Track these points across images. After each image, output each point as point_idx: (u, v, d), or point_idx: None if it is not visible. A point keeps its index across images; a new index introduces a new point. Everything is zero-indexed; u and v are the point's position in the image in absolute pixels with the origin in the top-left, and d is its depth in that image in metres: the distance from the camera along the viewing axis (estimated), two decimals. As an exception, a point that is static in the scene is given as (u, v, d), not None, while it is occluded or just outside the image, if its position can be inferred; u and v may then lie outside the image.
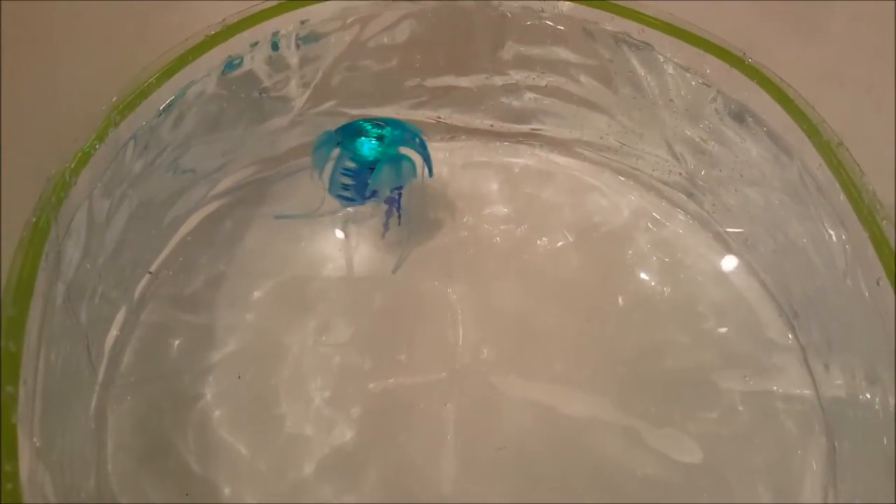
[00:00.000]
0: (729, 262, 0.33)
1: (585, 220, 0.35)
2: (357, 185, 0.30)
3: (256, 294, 0.32)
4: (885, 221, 0.24)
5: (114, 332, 0.30)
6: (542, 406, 0.30)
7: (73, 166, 0.25)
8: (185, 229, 0.33)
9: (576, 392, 0.30)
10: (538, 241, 0.34)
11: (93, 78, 0.27)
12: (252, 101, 0.32)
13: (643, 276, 0.33)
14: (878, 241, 0.24)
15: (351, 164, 0.30)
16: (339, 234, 0.34)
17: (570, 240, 0.34)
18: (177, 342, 0.30)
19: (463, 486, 0.28)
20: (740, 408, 0.29)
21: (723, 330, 0.31)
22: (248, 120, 0.33)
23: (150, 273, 0.31)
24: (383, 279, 0.33)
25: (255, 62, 0.31)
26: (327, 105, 0.34)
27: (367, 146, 0.30)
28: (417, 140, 0.31)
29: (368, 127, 0.30)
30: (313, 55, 0.32)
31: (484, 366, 0.30)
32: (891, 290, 0.24)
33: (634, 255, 0.34)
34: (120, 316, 0.30)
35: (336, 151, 0.30)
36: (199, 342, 0.30)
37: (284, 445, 0.28)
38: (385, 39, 0.33)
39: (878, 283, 0.24)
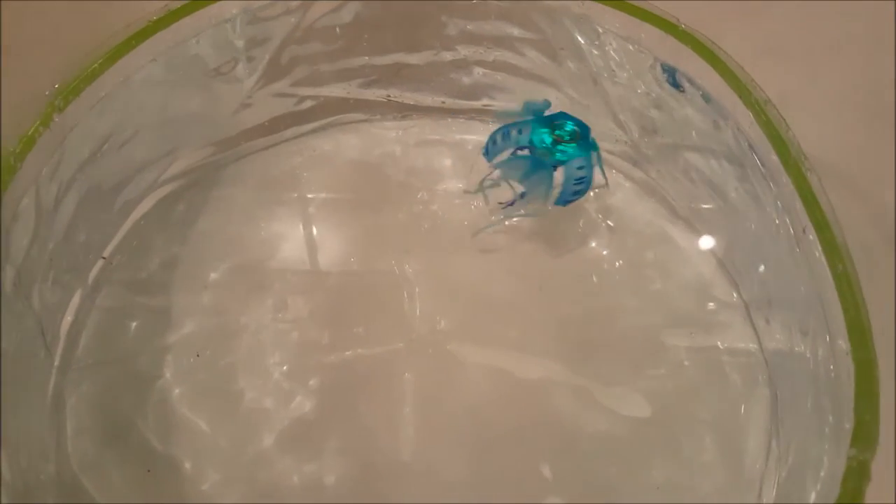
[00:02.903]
0: (674, 227, 0.34)
1: (536, 192, 0.35)
2: (587, 182, 0.32)
3: (213, 275, 0.32)
4: (809, 172, 0.25)
5: (69, 317, 0.30)
6: (497, 371, 0.31)
7: (17, 150, 0.25)
8: (137, 213, 0.33)
9: (530, 357, 0.31)
10: (492, 215, 0.35)
11: (36, 63, 0.27)
12: (200, 84, 0.32)
13: (593, 243, 0.34)
14: (804, 191, 0.25)
15: (581, 173, 0.31)
16: (298, 214, 0.34)
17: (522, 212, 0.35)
18: (134, 324, 0.31)
19: (422, 452, 0.29)
20: (686, 363, 0.30)
21: (669, 291, 0.32)
22: (197, 103, 0.33)
23: (104, 258, 0.31)
24: (340, 257, 0.33)
25: (201, 46, 0.31)
26: (277, 85, 0.34)
27: (581, 149, 0.31)
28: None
29: (560, 133, 0.31)
30: (260, 37, 0.33)
31: (441, 335, 0.31)
32: (817, 241, 0.25)
33: (585, 224, 0.35)
34: (75, 300, 0.30)
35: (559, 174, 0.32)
36: (156, 324, 0.31)
37: (244, 419, 0.29)
38: (331, 20, 0.33)
39: (804, 232, 0.25)
